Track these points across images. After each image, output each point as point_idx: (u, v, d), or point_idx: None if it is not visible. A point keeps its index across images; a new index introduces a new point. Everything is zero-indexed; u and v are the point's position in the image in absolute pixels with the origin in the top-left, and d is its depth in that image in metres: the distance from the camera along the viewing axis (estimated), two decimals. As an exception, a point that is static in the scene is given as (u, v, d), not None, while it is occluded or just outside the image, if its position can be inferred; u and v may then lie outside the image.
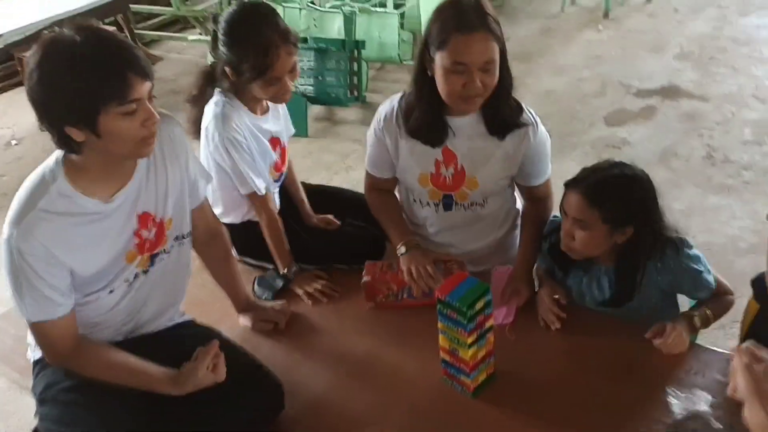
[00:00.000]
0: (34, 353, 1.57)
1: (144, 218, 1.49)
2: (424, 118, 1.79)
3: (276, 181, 2.10)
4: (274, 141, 2.05)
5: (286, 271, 1.97)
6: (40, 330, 1.42)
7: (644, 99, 4.66)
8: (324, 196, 2.28)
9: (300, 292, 1.94)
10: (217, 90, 1.92)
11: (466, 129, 1.81)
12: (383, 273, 1.86)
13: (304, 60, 4.82)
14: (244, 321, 1.84)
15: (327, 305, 1.91)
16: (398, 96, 1.88)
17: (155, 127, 1.35)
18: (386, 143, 1.89)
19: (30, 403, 1.60)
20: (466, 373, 1.54)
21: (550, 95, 4.87)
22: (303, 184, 2.30)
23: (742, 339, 1.72)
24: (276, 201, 2.10)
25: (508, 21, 6.29)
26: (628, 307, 1.71)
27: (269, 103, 2.01)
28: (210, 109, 1.90)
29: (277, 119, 2.07)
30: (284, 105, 2.08)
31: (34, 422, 1.52)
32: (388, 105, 1.90)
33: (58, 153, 1.40)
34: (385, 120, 1.88)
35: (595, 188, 1.61)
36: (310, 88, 4.85)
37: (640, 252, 1.66)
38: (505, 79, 1.73)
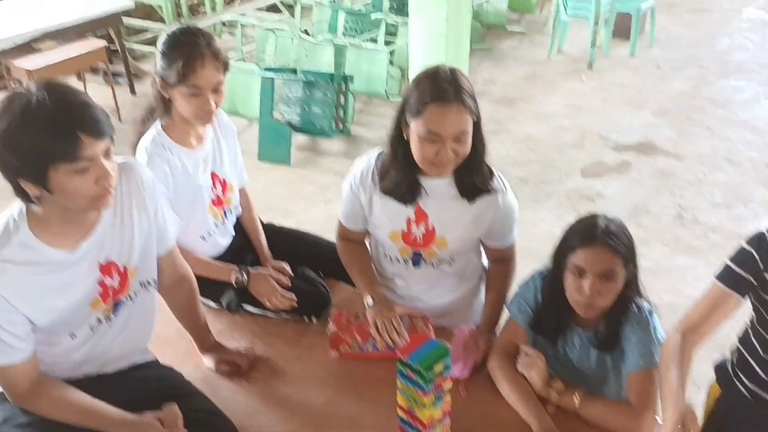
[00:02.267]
0: None
1: (108, 267, 1.51)
2: (399, 178, 1.84)
3: (223, 219, 2.12)
4: (214, 176, 2.06)
5: (234, 280, 2.02)
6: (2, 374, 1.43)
7: (621, 153, 4.78)
8: (285, 239, 2.29)
9: (260, 297, 1.99)
10: (155, 124, 1.94)
11: (438, 190, 1.87)
12: (349, 324, 1.90)
13: (292, 90, 4.89)
14: (208, 362, 1.85)
15: (291, 351, 1.93)
16: (375, 153, 1.94)
17: (109, 184, 1.36)
18: (360, 199, 1.94)
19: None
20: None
21: (531, 142, 4.97)
22: (268, 224, 2.33)
23: (706, 422, 1.77)
24: (225, 240, 2.15)
25: (494, 65, 6.42)
26: (603, 369, 1.75)
27: (212, 140, 2.04)
28: (142, 145, 1.93)
29: (220, 155, 2.08)
30: (236, 150, 2.14)
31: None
32: (364, 162, 1.95)
33: (15, 208, 1.42)
34: (362, 176, 1.93)
35: (610, 236, 1.62)
36: (296, 117, 4.90)
37: (626, 307, 1.69)
38: (478, 148, 1.79)
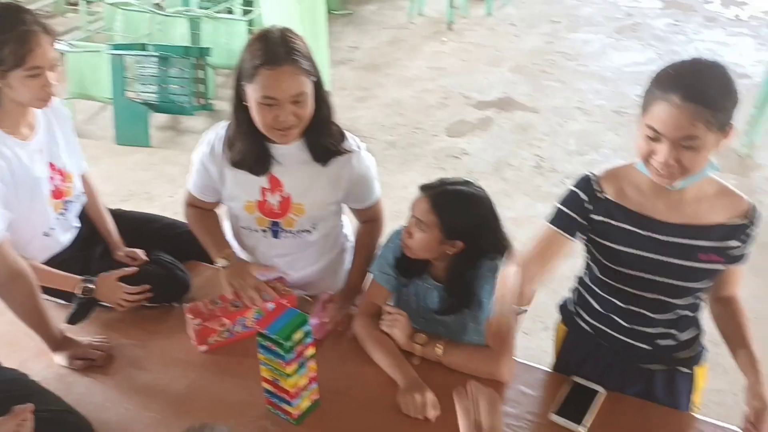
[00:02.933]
0: None
1: None
2: (246, 148, 1.79)
3: (64, 211, 1.99)
4: (50, 166, 1.93)
5: (76, 291, 1.86)
6: None
7: (482, 111, 4.93)
8: (135, 225, 2.18)
9: (110, 303, 1.88)
10: None
11: (289, 157, 1.83)
12: (211, 311, 1.81)
13: (146, 67, 4.64)
14: (59, 359, 1.74)
15: (151, 339, 1.85)
16: (223, 124, 1.87)
17: None
18: (211, 173, 1.87)
19: None
20: (288, 401, 1.55)
21: (397, 106, 5.02)
22: (116, 210, 2.20)
23: (556, 359, 1.87)
24: (69, 234, 2.02)
25: (357, 31, 6.41)
26: (462, 319, 1.80)
27: (44, 128, 1.91)
28: None
29: (56, 144, 1.95)
30: (72, 136, 2.01)
31: None
32: (212, 134, 1.88)
33: None
34: (210, 150, 1.86)
35: (441, 197, 1.71)
36: (153, 96, 4.67)
37: (465, 268, 1.76)
38: (323, 109, 1.77)
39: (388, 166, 4.01)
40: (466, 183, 1.77)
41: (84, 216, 2.08)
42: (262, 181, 1.85)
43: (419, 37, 6.30)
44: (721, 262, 1.53)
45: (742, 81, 5.09)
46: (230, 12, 5.44)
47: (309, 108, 1.71)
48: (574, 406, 1.59)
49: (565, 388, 1.64)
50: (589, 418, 1.56)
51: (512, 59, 5.76)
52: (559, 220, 1.62)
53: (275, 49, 1.64)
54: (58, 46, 1.80)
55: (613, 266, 1.61)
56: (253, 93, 1.67)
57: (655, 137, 1.39)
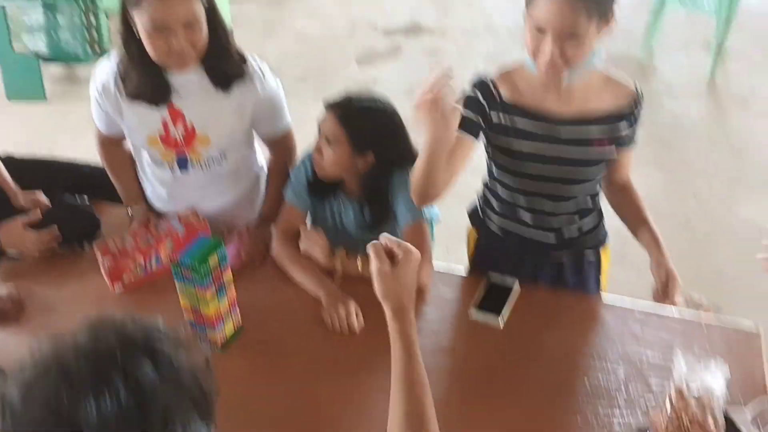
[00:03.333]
0: None
1: None
2: (141, 79, 1.71)
3: None
4: None
5: None
6: None
7: (391, 38, 4.88)
8: (33, 170, 2.08)
9: (18, 251, 1.80)
10: None
11: (189, 85, 1.76)
12: (122, 249, 1.76)
13: (32, 16, 4.34)
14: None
15: (64, 283, 1.79)
16: (113, 55, 1.78)
17: None
18: (107, 108, 1.80)
19: None
20: (212, 328, 1.55)
21: (304, 39, 4.91)
22: (7, 158, 2.08)
23: (470, 263, 1.92)
24: None
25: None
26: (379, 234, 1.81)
27: None
28: None
29: None
30: None
31: None
32: (106, 67, 1.79)
33: None
34: (104, 85, 1.78)
35: (348, 111, 1.71)
36: (43, 46, 4.40)
37: (378, 181, 1.76)
38: (219, 33, 1.70)
39: (301, 99, 3.91)
40: (371, 96, 1.77)
41: None
42: (163, 112, 1.78)
43: (321, -33, 6.12)
44: (611, 149, 1.61)
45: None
46: (117, -49, 5.12)
47: (203, 33, 1.65)
48: (492, 301, 1.66)
49: (482, 287, 1.69)
50: (506, 311, 1.63)
51: (418, -16, 5.69)
52: (462, 123, 1.64)
53: None
54: None
55: (513, 163, 1.66)
56: (141, 20, 1.59)
57: (541, 31, 1.42)
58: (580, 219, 1.73)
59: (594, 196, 1.74)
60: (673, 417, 1.08)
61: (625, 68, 4.68)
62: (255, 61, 1.84)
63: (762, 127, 3.80)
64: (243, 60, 1.81)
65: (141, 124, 1.80)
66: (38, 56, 4.34)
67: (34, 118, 4.12)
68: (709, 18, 4.12)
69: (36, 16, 4.34)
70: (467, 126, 1.60)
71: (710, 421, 1.03)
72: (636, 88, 1.61)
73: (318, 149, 1.75)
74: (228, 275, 1.54)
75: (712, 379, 1.05)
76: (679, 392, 1.06)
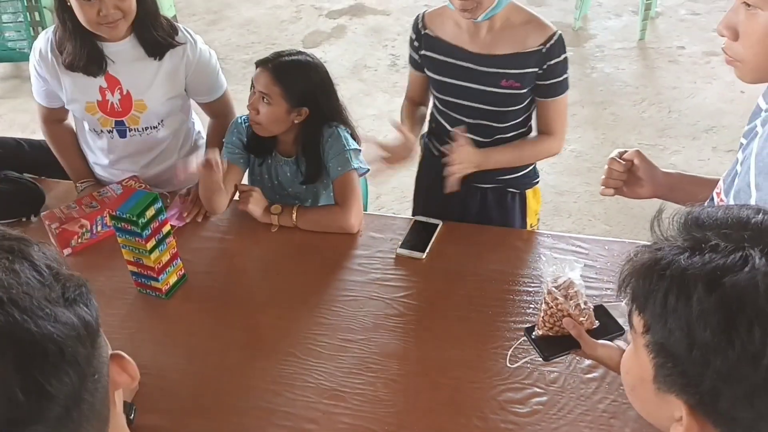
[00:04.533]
0: None
1: None
2: (76, 49, 1.81)
3: None
4: None
5: None
6: None
7: (335, 19, 4.98)
8: None
9: None
10: None
11: (123, 54, 1.87)
12: (68, 215, 1.86)
13: (10, 10, 4.35)
14: None
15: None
16: (52, 28, 1.87)
17: None
18: (47, 79, 1.89)
19: None
20: (155, 278, 1.66)
21: (251, 25, 4.98)
22: None
23: (414, 185, 2.09)
24: None
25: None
26: (314, 189, 1.95)
27: None
28: None
29: None
30: None
31: None
32: (42, 39, 1.89)
33: None
34: (41, 56, 1.87)
35: (281, 67, 1.80)
36: (24, 44, 4.40)
37: (313, 134, 1.87)
38: (147, 2, 1.81)
39: (247, 84, 4.03)
40: (300, 52, 1.87)
41: None
42: (100, 80, 1.88)
43: (264, -44, 6.19)
44: (519, 87, 1.73)
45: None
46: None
47: (131, 1, 1.75)
48: (417, 239, 1.79)
49: (409, 226, 1.83)
50: (429, 247, 1.76)
51: (359, -34, 5.79)
52: (410, 60, 1.84)
53: None
54: None
55: (440, 95, 1.82)
56: None
57: None
58: None
59: (522, 136, 1.86)
60: (545, 310, 1.23)
61: (563, 36, 4.78)
62: (186, 32, 1.94)
63: (688, 81, 4.00)
64: (173, 29, 1.91)
65: (79, 92, 1.89)
66: (14, 50, 4.36)
67: (-16, 117, 4.15)
68: (637, -18, 4.30)
69: (14, 11, 4.35)
70: (411, 62, 1.83)
71: (573, 308, 1.18)
72: (554, 35, 1.69)
73: (254, 107, 1.82)
74: (166, 228, 1.65)
75: (572, 274, 1.20)
76: (548, 290, 1.21)
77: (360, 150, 1.92)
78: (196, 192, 1.98)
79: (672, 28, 4.55)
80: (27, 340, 0.54)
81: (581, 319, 1.21)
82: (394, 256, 1.77)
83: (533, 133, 1.88)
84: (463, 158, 1.69)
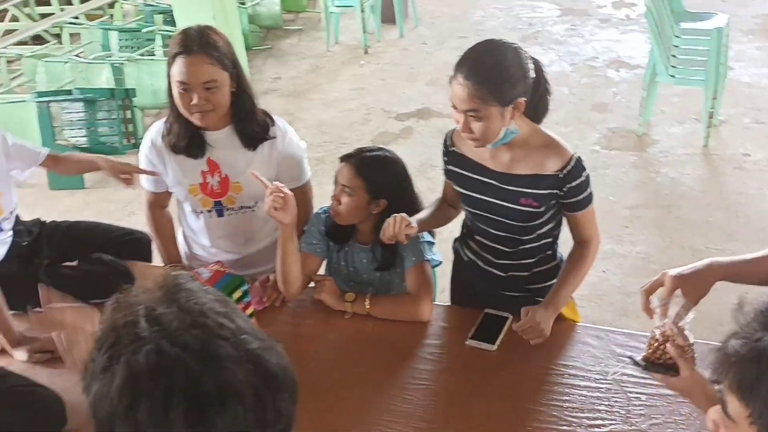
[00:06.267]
0: None
1: None
2: (181, 131, 2.01)
3: None
4: None
5: None
6: None
7: (403, 122, 5.23)
8: (74, 233, 2.31)
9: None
10: None
11: (221, 142, 2.06)
12: None
13: (72, 112, 4.77)
14: (20, 355, 1.87)
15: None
16: (161, 120, 2.09)
17: None
18: (155, 163, 2.09)
19: None
20: (235, 358, 1.74)
21: (323, 126, 5.27)
22: (51, 223, 2.31)
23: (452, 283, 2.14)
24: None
25: (278, 63, 6.67)
26: (388, 277, 2.02)
27: None
28: None
29: None
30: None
31: None
32: (154, 129, 2.10)
33: None
34: (152, 142, 2.09)
35: (363, 161, 1.94)
36: (82, 138, 4.79)
37: None
38: (243, 99, 2.00)
39: (319, 180, 4.19)
40: (381, 148, 2.01)
41: (26, 231, 2.21)
42: (202, 165, 2.06)
43: (338, 63, 6.61)
44: (537, 207, 1.77)
45: (635, 71, 5.60)
46: (152, 54, 5.62)
47: (222, 96, 1.93)
48: (487, 331, 1.83)
49: (478, 318, 1.87)
50: (499, 339, 1.80)
51: (427, 74, 6.11)
52: (445, 173, 1.94)
53: (190, 40, 1.88)
54: None
55: (466, 207, 1.91)
56: (172, 79, 1.90)
57: (454, 108, 1.68)
58: (533, 268, 1.91)
59: (548, 247, 1.91)
60: (658, 341, 1.37)
61: (624, 141, 4.94)
62: (279, 123, 2.13)
63: (755, 187, 3.99)
64: (267, 124, 2.09)
65: (183, 175, 2.08)
66: (77, 149, 4.73)
67: (74, 206, 4.46)
68: (700, 90, 4.39)
69: (77, 112, 4.76)
70: (444, 172, 1.92)
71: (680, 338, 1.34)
72: (571, 160, 1.72)
73: (337, 198, 1.95)
74: (250, 310, 1.75)
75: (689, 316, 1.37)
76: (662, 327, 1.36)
77: (434, 242, 2.01)
78: (275, 278, 2.09)
79: (736, 135, 4.59)
80: None
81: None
82: (464, 347, 1.80)
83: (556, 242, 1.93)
84: (536, 327, 1.70)
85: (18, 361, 1.88)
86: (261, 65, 6.50)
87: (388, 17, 7.12)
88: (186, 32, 1.91)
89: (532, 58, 1.71)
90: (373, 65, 6.46)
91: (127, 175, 2.15)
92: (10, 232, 2.14)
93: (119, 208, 4.36)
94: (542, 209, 1.78)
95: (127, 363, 0.69)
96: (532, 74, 1.68)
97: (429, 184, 4.49)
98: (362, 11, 6.61)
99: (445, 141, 1.92)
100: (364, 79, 6.16)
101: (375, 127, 5.19)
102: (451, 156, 1.89)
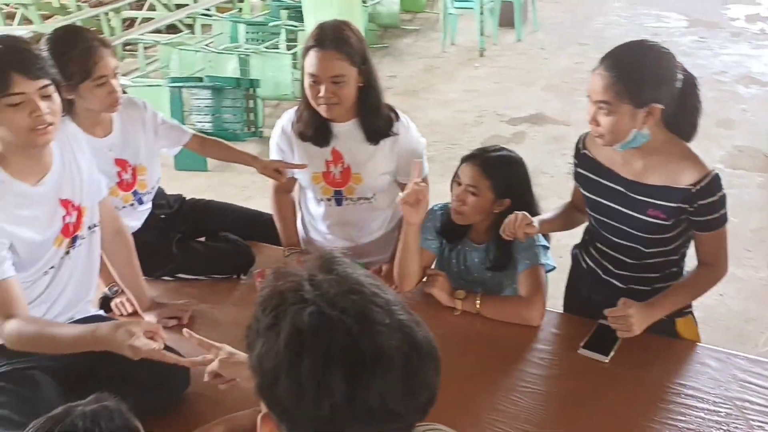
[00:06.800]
0: None
1: (66, 203, 1.69)
2: (310, 122, 2.10)
3: (135, 201, 2.20)
4: (120, 162, 2.14)
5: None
6: None
7: (516, 126, 5.18)
8: (210, 212, 2.46)
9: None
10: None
11: (346, 134, 2.13)
12: None
13: (201, 99, 5.04)
14: (149, 318, 2.00)
15: (224, 304, 2.11)
16: (295, 108, 2.19)
17: (42, 119, 1.54)
18: (284, 149, 2.19)
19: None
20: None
21: (435, 126, 5.31)
22: (190, 200, 2.47)
23: (564, 296, 2.12)
24: (136, 221, 2.22)
25: (394, 62, 6.77)
26: (499, 278, 2.02)
27: (119, 130, 2.12)
28: None
29: (126, 145, 2.15)
30: (150, 130, 2.21)
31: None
32: (286, 116, 2.21)
33: None
34: (282, 129, 2.20)
35: (489, 161, 1.95)
36: (208, 124, 5.06)
37: None
38: (371, 95, 2.06)
39: (429, 178, 4.28)
40: (503, 148, 2.02)
41: (167, 205, 2.37)
42: (326, 154, 2.14)
43: (453, 64, 6.63)
44: (664, 219, 1.71)
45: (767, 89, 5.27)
46: (276, 48, 5.85)
47: (349, 90, 2.00)
48: (601, 342, 1.79)
49: (592, 328, 1.84)
50: (613, 351, 1.76)
51: (543, 79, 6.02)
52: (574, 176, 1.89)
53: (325, 35, 1.96)
54: (121, 81, 2.03)
55: (591, 212, 1.87)
56: (305, 70, 2.00)
57: (590, 101, 1.65)
58: (654, 284, 1.83)
59: (672, 264, 1.83)
60: None
61: (751, 161, 4.73)
62: (403, 119, 2.18)
63: None
64: (391, 120, 2.14)
65: (309, 162, 2.17)
66: (203, 133, 4.99)
67: (197, 187, 4.70)
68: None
69: (205, 99, 5.04)
70: (573, 175, 1.91)
71: None
72: (707, 176, 1.65)
73: (460, 199, 1.95)
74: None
75: None
76: None
77: (549, 247, 1.99)
78: (390, 268, 2.14)
79: None
80: None
81: None
82: (576, 355, 1.78)
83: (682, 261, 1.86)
84: (628, 320, 1.68)
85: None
86: (377, 63, 6.55)
87: (506, 21, 7.07)
88: (322, 26, 1.98)
89: (687, 73, 1.66)
90: (488, 68, 6.43)
91: (276, 171, 2.21)
92: (150, 205, 2.31)
93: (237, 192, 4.57)
94: (670, 223, 1.73)
95: (293, 321, 0.75)
96: (678, 85, 1.63)
97: (539, 190, 4.35)
98: (481, 13, 6.59)
99: (578, 143, 1.90)
100: (479, 82, 6.15)
101: (486, 130, 5.17)
102: (582, 158, 1.87)
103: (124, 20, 7.38)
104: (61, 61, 1.85)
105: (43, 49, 1.88)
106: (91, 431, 1.19)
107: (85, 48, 1.92)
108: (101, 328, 1.51)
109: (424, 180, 2.28)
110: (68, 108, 1.96)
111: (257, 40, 6.24)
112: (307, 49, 1.98)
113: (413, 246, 1.96)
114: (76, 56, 1.90)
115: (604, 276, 1.91)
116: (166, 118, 2.33)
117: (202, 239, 2.37)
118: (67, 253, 1.72)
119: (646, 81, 1.58)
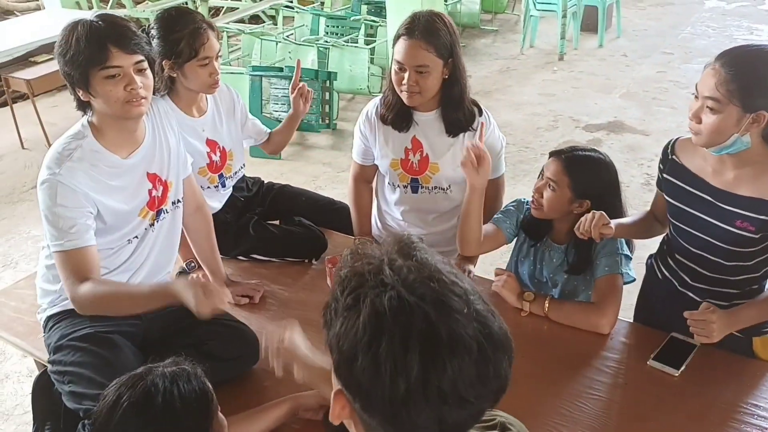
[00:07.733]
0: (47, 311, 1.80)
1: (153, 177, 1.78)
2: (393, 106, 2.14)
3: (219, 184, 2.28)
4: (211, 143, 2.22)
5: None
6: (69, 258, 1.62)
7: (591, 133, 5.08)
8: (286, 196, 2.54)
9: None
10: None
11: (427, 123, 2.16)
12: None
13: (279, 88, 5.14)
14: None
15: (295, 286, 2.17)
16: (381, 96, 2.23)
17: (136, 92, 1.62)
18: (367, 135, 2.24)
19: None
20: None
21: (508, 128, 5.25)
22: (268, 183, 2.55)
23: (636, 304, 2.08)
24: (217, 202, 2.30)
25: (470, 61, 6.72)
26: (574, 282, 2.00)
27: (212, 112, 2.21)
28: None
29: (217, 128, 2.23)
30: (239, 116, 2.31)
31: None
32: (371, 104, 2.25)
33: (82, 119, 1.71)
34: (367, 115, 2.24)
35: (574, 159, 1.93)
36: (284, 114, 5.12)
37: None
38: (455, 88, 2.07)
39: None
40: (594, 149, 1.99)
41: (246, 188, 2.45)
42: (406, 141, 2.17)
43: (530, 66, 6.54)
44: (753, 232, 1.65)
45: None
46: (355, 42, 5.91)
47: (432, 81, 2.01)
48: (672, 355, 1.75)
49: (664, 340, 1.80)
50: (684, 365, 1.72)
51: (623, 87, 5.87)
52: (657, 181, 1.85)
53: (416, 25, 1.98)
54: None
55: (673, 221, 1.82)
56: (394, 56, 2.03)
57: (695, 97, 1.61)
58: (734, 299, 1.78)
59: (754, 281, 1.78)
60: None
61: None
62: (487, 115, 2.18)
63: None
64: (473, 115, 2.15)
65: (389, 148, 2.21)
66: (279, 122, 5.09)
67: (270, 174, 4.79)
68: None
69: (283, 88, 5.12)
70: (657, 182, 1.86)
71: None
72: None
73: (540, 190, 1.95)
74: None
75: None
76: None
77: (631, 258, 1.95)
78: (458, 262, 2.14)
79: None
80: None
81: None
82: (645, 367, 1.74)
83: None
84: (708, 324, 1.64)
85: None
86: (454, 62, 6.61)
87: (588, 25, 6.93)
88: (415, 16, 2.01)
89: None
90: (566, 72, 6.33)
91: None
92: (231, 189, 2.39)
93: (308, 180, 4.66)
94: (757, 236, 1.67)
95: (372, 303, 0.77)
96: None
97: (612, 199, 4.35)
98: (563, 17, 6.48)
99: (666, 148, 1.85)
100: (555, 86, 6.05)
101: (560, 135, 5.09)
102: (670, 164, 1.82)
103: (210, 9, 7.60)
104: (171, 39, 1.98)
105: (152, 27, 2.00)
106: (170, 390, 1.26)
107: (194, 28, 2.01)
108: (177, 283, 1.58)
109: (500, 178, 2.28)
110: (170, 86, 2.07)
111: (337, 34, 6.33)
112: (397, 37, 2.02)
113: (475, 211, 1.97)
114: (186, 35, 1.99)
115: (680, 288, 1.87)
116: (250, 115, 2.44)
117: (276, 222, 2.43)
118: (152, 225, 1.80)
119: (762, 86, 1.53)
